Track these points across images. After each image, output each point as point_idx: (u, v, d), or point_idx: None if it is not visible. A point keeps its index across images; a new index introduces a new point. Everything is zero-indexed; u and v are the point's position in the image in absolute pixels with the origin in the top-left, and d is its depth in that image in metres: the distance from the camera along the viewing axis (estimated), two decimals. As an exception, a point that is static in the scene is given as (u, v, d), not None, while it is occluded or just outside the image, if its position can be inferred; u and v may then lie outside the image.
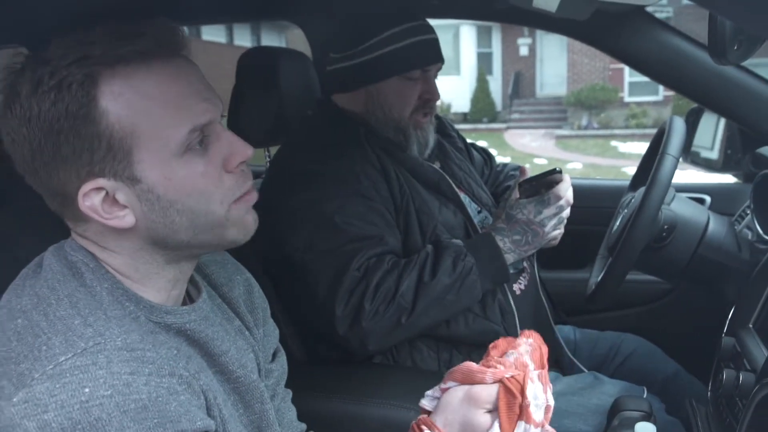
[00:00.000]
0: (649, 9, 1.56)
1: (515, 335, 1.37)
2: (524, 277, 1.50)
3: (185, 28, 0.86)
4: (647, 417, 1.17)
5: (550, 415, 0.79)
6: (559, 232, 1.39)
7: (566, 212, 1.38)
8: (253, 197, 0.82)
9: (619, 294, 1.34)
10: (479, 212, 1.51)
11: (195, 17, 2.14)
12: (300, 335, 1.44)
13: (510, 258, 1.36)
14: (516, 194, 1.38)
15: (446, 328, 1.37)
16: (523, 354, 0.79)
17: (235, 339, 0.89)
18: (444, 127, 1.65)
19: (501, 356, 0.79)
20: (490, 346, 0.82)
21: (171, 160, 0.74)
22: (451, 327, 1.37)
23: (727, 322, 1.23)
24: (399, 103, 1.43)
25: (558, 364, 1.52)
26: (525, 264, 1.51)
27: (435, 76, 1.47)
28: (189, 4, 1.64)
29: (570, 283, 1.82)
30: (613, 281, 1.30)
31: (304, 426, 1.05)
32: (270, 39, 14.67)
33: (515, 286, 1.46)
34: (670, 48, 1.55)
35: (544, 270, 1.66)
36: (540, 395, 0.77)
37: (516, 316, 1.41)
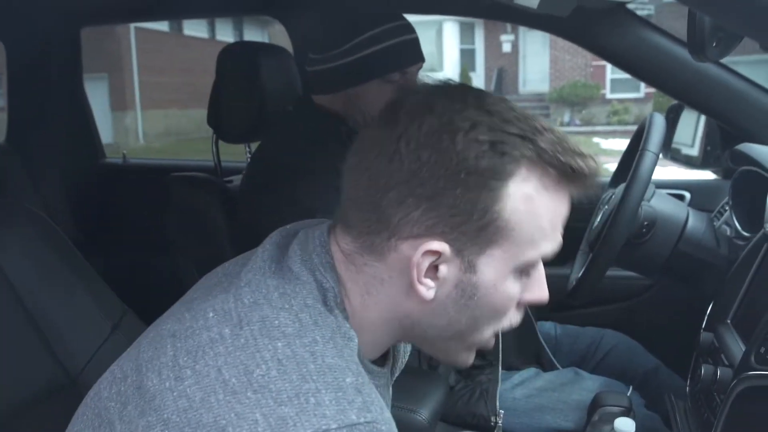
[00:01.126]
0: (630, 6, 1.56)
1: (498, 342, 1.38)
2: None
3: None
4: (627, 412, 1.18)
5: None
6: None
7: None
8: (493, 341, 0.76)
9: (599, 290, 1.35)
10: None
11: (178, 11, 2.13)
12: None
13: None
14: None
15: None
16: None
17: None
18: None
19: None
20: None
21: (508, 272, 0.68)
22: None
23: (706, 317, 1.24)
24: (379, 106, 1.41)
25: (539, 360, 1.53)
26: None
27: (416, 75, 1.45)
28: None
29: (550, 279, 1.80)
30: (593, 277, 1.30)
31: None
32: (252, 34, 14.59)
33: None
34: (651, 45, 1.56)
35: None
36: None
37: None
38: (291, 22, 1.98)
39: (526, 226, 0.66)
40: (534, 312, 1.57)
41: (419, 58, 1.43)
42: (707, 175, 1.92)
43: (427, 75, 0.71)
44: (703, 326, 1.22)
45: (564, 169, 0.66)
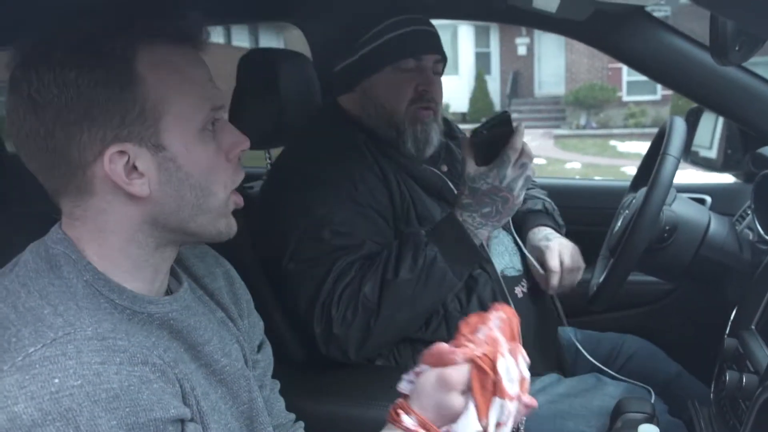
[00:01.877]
0: (647, 8, 1.56)
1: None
2: (527, 280, 1.48)
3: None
4: (650, 419, 1.17)
5: (526, 386, 0.79)
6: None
7: (531, 169, 1.29)
8: (242, 201, 0.85)
9: (620, 295, 1.34)
10: None
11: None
12: (299, 337, 1.44)
13: (484, 233, 1.31)
14: (471, 163, 1.29)
15: (426, 332, 1.35)
16: (493, 329, 0.78)
17: (218, 329, 0.89)
18: (452, 129, 1.63)
19: (471, 333, 0.79)
20: (461, 323, 0.81)
21: (192, 135, 0.77)
22: (431, 330, 1.35)
23: (730, 323, 1.22)
24: (393, 95, 1.40)
25: (560, 366, 1.52)
26: (526, 266, 1.49)
27: (436, 71, 1.44)
28: (188, 6, 1.63)
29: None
30: (615, 282, 1.29)
31: (293, 416, 1.06)
32: (268, 39, 14.66)
33: (517, 289, 1.45)
34: (670, 47, 1.55)
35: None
36: (513, 369, 0.77)
37: None
38: (309, 27, 1.99)
39: (175, 93, 0.76)
40: (559, 320, 1.55)
41: (434, 49, 1.42)
42: (728, 178, 1.90)
43: None
44: (727, 332, 1.20)
45: (169, 34, 0.77)
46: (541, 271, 1.46)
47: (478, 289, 1.39)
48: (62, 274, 0.74)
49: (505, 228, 1.52)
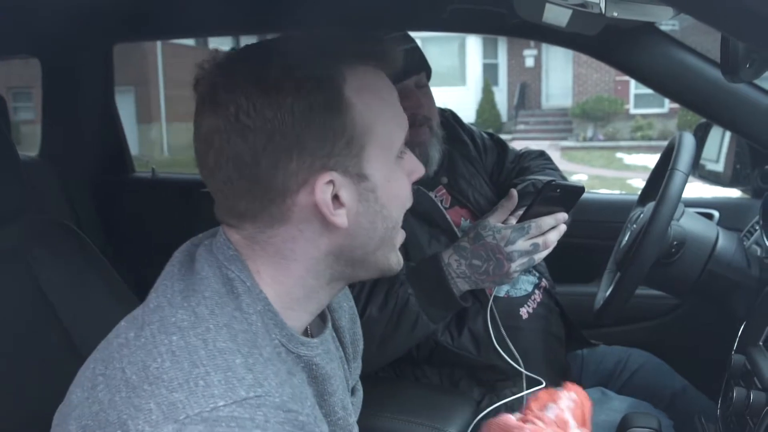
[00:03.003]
0: (656, 23, 1.56)
1: (510, 362, 1.34)
2: (533, 300, 1.45)
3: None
4: (656, 434, 1.17)
5: None
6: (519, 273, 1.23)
7: (539, 256, 1.22)
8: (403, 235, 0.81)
9: (626, 309, 1.33)
10: None
11: (209, 29, 2.15)
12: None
13: (462, 285, 1.23)
14: (497, 216, 1.24)
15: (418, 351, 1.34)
16: (564, 410, 0.76)
17: (342, 376, 0.85)
18: (456, 132, 1.56)
19: (540, 410, 0.77)
20: (530, 398, 0.80)
21: (391, 163, 0.75)
22: (421, 351, 1.34)
23: (737, 339, 1.22)
24: None
25: (565, 379, 1.51)
26: (538, 284, 1.47)
27: (420, 84, 1.38)
28: (202, 16, 1.65)
29: (576, 297, 1.81)
30: (622, 297, 1.29)
31: None
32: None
33: (522, 310, 1.42)
34: (679, 62, 1.56)
35: (551, 284, 1.66)
36: None
37: (505, 336, 1.35)
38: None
39: (378, 120, 0.72)
40: (568, 337, 1.55)
41: (413, 69, 1.36)
42: (735, 193, 1.90)
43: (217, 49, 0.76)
44: (735, 348, 1.20)
45: (370, 55, 0.73)
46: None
47: (469, 321, 1.35)
48: (241, 306, 0.70)
49: None
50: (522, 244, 1.20)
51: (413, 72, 1.36)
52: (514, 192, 1.26)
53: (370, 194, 0.73)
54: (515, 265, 1.21)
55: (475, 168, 1.54)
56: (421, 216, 1.35)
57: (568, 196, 1.24)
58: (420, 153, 1.36)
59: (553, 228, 1.22)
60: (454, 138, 1.54)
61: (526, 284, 1.46)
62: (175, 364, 0.64)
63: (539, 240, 1.21)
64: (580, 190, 1.24)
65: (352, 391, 0.96)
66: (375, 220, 0.74)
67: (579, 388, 0.79)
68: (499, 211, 1.25)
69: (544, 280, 1.49)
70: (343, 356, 0.89)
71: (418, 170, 0.79)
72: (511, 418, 0.75)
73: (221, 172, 0.70)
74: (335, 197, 0.71)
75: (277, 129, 0.67)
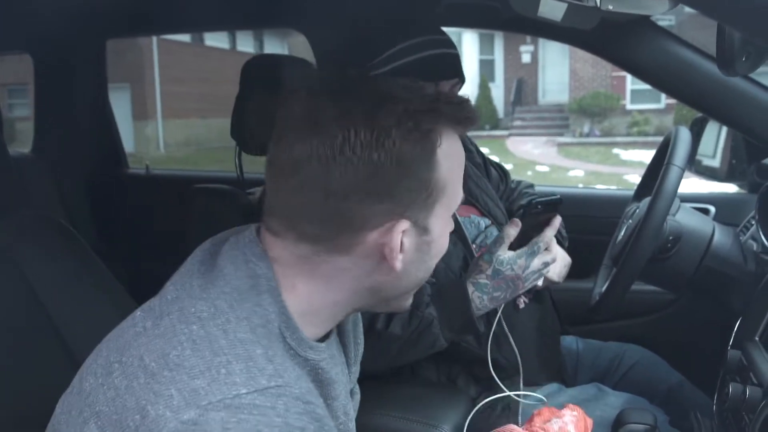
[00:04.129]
0: (652, 17, 1.55)
1: (508, 353, 1.34)
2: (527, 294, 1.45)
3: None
4: (652, 430, 1.17)
5: None
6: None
7: (551, 269, 1.29)
8: None
9: (622, 304, 1.33)
10: (487, 227, 1.46)
11: (202, 24, 2.14)
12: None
13: (481, 312, 1.26)
14: (506, 247, 1.25)
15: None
16: (568, 423, 0.78)
17: (345, 381, 0.86)
18: (463, 142, 1.60)
19: (544, 423, 0.79)
20: (535, 412, 0.82)
21: (448, 220, 0.78)
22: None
23: (733, 334, 1.22)
24: None
25: (561, 375, 1.51)
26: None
27: (452, 92, 1.37)
28: (195, 11, 1.64)
29: (572, 292, 1.81)
30: (617, 292, 1.29)
31: None
32: (272, 45, 14.70)
33: (518, 300, 1.42)
34: (675, 57, 1.55)
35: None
36: None
37: (506, 331, 1.36)
38: (314, 34, 1.99)
39: (452, 179, 0.76)
40: (560, 327, 1.55)
41: (453, 74, 1.36)
42: (731, 188, 1.90)
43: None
44: (731, 343, 1.20)
45: (462, 122, 0.75)
46: None
47: None
48: (262, 303, 0.71)
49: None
50: (536, 263, 1.25)
51: (449, 76, 1.36)
52: (517, 220, 1.29)
53: (425, 246, 0.76)
54: (528, 283, 1.26)
55: (480, 172, 1.57)
56: None
57: (549, 208, 1.31)
58: None
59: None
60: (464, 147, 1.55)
61: None
62: (196, 352, 0.65)
63: (548, 257, 1.26)
64: (557, 200, 1.32)
65: (351, 394, 0.96)
66: (420, 269, 0.78)
67: (579, 408, 0.81)
68: (505, 241, 1.27)
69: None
70: (345, 361, 0.89)
71: (452, 227, 0.81)
72: (517, 428, 0.76)
73: (304, 195, 0.71)
74: (400, 243, 0.73)
75: (378, 171, 0.69)
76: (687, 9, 0.75)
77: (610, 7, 0.93)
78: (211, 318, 0.68)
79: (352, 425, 0.87)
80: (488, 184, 1.57)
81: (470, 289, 1.25)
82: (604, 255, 1.51)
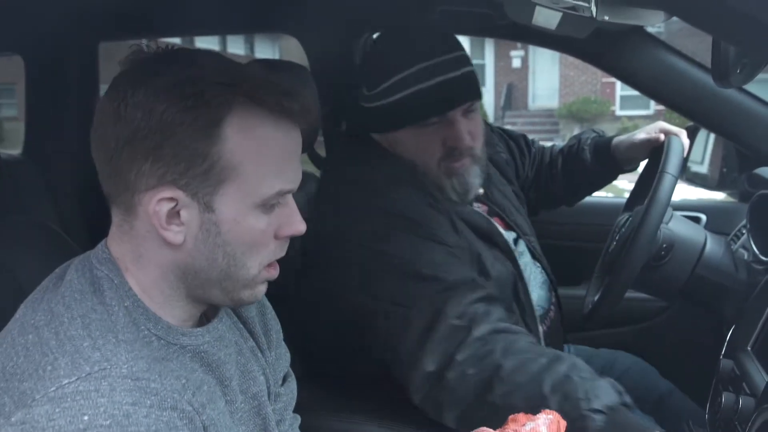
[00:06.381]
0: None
1: None
2: (549, 318, 1.45)
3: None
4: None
5: None
6: None
7: None
8: (276, 273, 0.83)
9: (613, 311, 1.34)
10: (515, 241, 1.43)
11: (195, 29, 2.13)
12: (299, 352, 1.42)
13: None
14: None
15: None
16: (541, 425, 0.79)
17: (248, 359, 0.88)
18: (489, 137, 1.51)
19: (518, 426, 0.80)
20: (510, 417, 0.82)
21: (247, 208, 0.76)
22: None
23: (726, 343, 1.22)
24: (420, 154, 1.29)
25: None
26: (552, 300, 1.47)
27: (470, 110, 1.30)
28: (189, 15, 1.63)
29: (564, 300, 1.82)
30: (611, 300, 1.29)
31: None
32: (263, 48, 14.68)
33: (540, 327, 1.40)
34: (667, 66, 1.56)
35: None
36: None
37: None
38: (307, 39, 1.99)
39: (249, 164, 0.74)
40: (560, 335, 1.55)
41: (464, 98, 1.29)
42: (721, 196, 1.91)
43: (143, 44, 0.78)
44: (723, 353, 1.20)
45: (274, 108, 0.74)
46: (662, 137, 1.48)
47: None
48: (105, 300, 0.74)
49: (538, 261, 1.46)
50: None
51: (460, 102, 1.29)
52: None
53: (213, 226, 0.75)
54: None
55: (505, 176, 1.54)
56: (483, 236, 1.33)
57: None
58: (459, 183, 1.32)
59: None
60: (488, 142, 1.47)
61: (543, 302, 1.45)
62: (28, 358, 0.69)
63: None
64: None
65: (283, 380, 0.99)
66: (215, 252, 0.76)
67: (555, 412, 0.82)
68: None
69: (553, 293, 1.48)
70: (255, 345, 0.92)
71: (289, 228, 0.80)
72: (488, 429, 0.78)
73: (94, 150, 0.75)
74: (176, 214, 0.74)
75: (139, 130, 0.71)
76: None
77: (606, 18, 0.93)
78: (47, 324, 0.71)
79: (264, 399, 0.89)
80: (511, 190, 1.52)
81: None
82: (596, 262, 1.52)
